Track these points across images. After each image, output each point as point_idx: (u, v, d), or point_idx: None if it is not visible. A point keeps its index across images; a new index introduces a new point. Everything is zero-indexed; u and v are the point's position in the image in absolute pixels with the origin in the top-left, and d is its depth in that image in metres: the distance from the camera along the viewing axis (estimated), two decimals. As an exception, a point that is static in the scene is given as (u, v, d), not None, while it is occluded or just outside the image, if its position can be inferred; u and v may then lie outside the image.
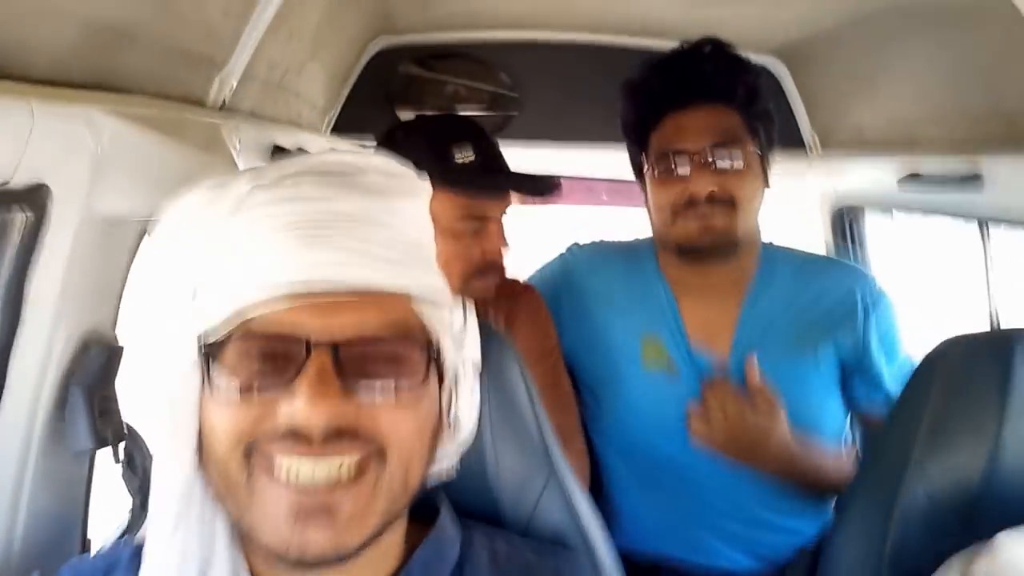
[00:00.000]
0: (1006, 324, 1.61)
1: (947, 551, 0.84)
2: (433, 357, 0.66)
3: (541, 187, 1.29)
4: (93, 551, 1.05)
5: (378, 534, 0.65)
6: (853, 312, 1.38)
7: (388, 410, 0.62)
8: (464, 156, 1.24)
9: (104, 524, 1.11)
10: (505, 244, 1.29)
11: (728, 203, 1.31)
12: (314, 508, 0.60)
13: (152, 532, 0.65)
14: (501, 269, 1.32)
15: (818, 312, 1.39)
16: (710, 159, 1.30)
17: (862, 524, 0.97)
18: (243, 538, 0.68)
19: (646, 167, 1.41)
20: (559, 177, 1.41)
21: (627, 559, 1.46)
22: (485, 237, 1.26)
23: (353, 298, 0.61)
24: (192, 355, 0.62)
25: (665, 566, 1.46)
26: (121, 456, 0.94)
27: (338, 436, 0.59)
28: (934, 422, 0.93)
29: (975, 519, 0.88)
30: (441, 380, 0.69)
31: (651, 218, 1.47)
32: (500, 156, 1.31)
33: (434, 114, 1.51)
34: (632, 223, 1.85)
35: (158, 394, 0.64)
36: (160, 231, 0.68)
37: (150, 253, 0.70)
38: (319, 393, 0.58)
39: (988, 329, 1.48)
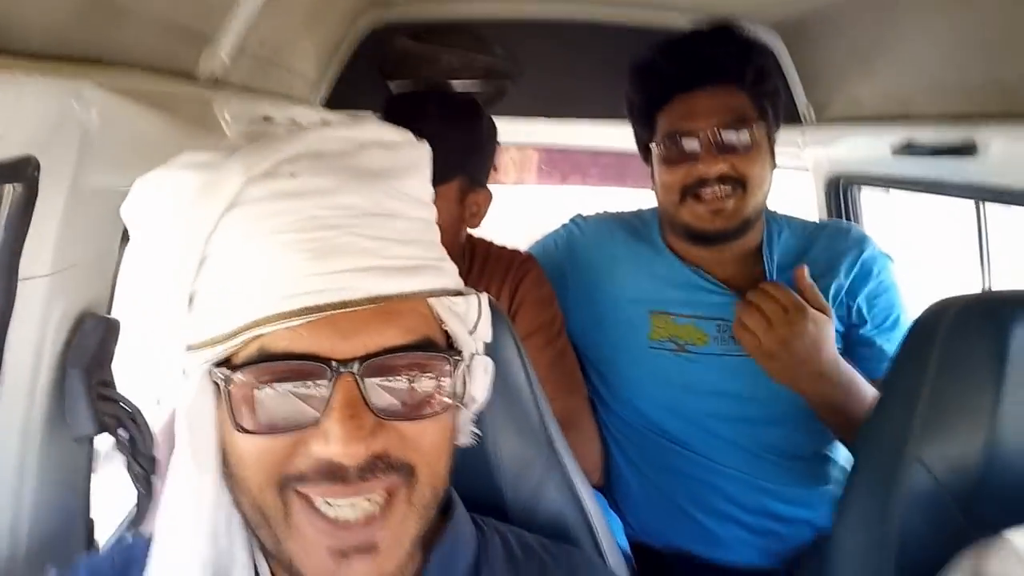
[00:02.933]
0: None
1: (952, 536, 0.83)
2: (454, 357, 0.62)
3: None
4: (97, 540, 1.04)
5: (415, 548, 0.65)
6: (851, 268, 1.38)
7: (414, 425, 0.60)
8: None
9: (109, 513, 1.11)
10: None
11: (739, 183, 1.30)
12: (357, 544, 0.58)
13: (164, 541, 0.62)
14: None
15: (818, 271, 1.36)
16: (719, 139, 1.29)
17: (865, 513, 0.96)
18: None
19: (653, 147, 1.39)
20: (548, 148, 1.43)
21: (634, 548, 1.47)
22: None
23: (371, 306, 0.56)
24: (199, 373, 0.58)
25: (672, 556, 1.44)
26: (124, 443, 0.92)
27: (372, 467, 0.57)
28: (929, 404, 0.92)
29: (977, 503, 0.88)
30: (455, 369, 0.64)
31: (658, 199, 1.45)
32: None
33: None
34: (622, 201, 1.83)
35: (180, 418, 0.59)
36: (141, 222, 0.62)
37: (134, 245, 0.64)
38: (351, 432, 0.55)
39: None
